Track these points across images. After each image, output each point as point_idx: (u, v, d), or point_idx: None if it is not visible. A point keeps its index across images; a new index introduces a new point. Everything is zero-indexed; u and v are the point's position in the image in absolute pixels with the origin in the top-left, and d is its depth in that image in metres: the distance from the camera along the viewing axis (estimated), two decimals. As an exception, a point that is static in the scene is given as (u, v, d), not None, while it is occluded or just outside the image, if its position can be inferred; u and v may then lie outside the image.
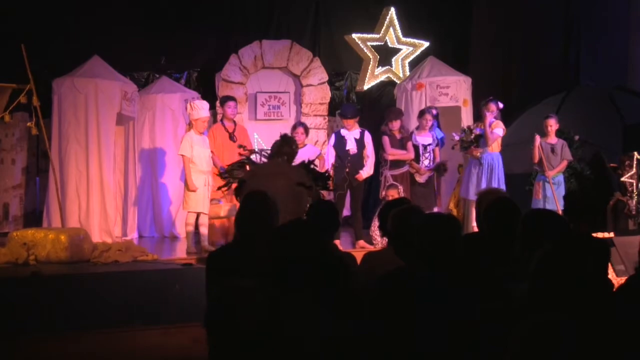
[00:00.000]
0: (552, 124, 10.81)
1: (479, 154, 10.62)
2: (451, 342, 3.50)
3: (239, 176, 8.07)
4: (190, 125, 9.89)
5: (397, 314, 3.74)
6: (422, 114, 11.14)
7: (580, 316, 2.46)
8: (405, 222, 4.44)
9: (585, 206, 5.59)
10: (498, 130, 10.63)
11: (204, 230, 9.84)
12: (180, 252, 10.15)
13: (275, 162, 8.01)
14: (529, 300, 3.15)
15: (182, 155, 9.74)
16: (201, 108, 9.82)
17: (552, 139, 10.83)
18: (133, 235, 11.62)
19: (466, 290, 3.64)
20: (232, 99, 10.92)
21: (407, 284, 3.83)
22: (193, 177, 9.62)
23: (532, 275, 3.18)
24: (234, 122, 10.68)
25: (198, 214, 9.77)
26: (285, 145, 8.12)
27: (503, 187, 10.44)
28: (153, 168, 12.04)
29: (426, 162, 10.89)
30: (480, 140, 10.66)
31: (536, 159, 10.63)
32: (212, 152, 10.32)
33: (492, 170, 10.61)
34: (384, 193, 10.31)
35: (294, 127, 10.67)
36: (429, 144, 10.93)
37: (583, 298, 3.13)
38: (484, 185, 10.38)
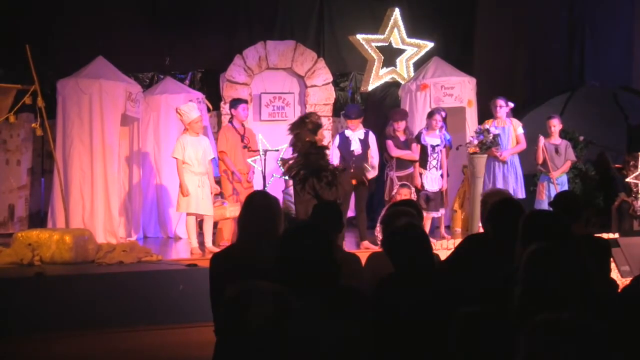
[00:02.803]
0: (555, 124, 10.81)
1: (500, 154, 10.66)
2: (440, 343, 3.50)
3: None
4: (185, 129, 9.85)
5: (389, 318, 3.76)
6: (431, 114, 11.09)
7: (577, 315, 2.47)
8: (389, 227, 4.50)
9: (573, 205, 5.59)
10: (521, 129, 10.82)
11: (207, 231, 9.86)
12: (185, 252, 10.16)
13: None
14: (520, 300, 3.17)
15: (175, 158, 9.73)
16: (191, 110, 9.81)
17: (556, 139, 10.82)
18: (137, 235, 11.63)
19: (451, 292, 3.66)
20: (245, 101, 10.91)
21: (394, 289, 3.85)
22: (186, 177, 9.63)
23: (520, 275, 3.21)
24: (243, 124, 10.68)
25: (200, 215, 9.81)
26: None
27: (523, 186, 10.59)
28: (157, 169, 12.05)
29: (434, 163, 10.86)
30: (498, 138, 10.62)
31: (540, 160, 10.63)
32: (223, 152, 10.33)
33: (516, 170, 10.69)
34: (394, 192, 10.28)
35: None
36: (437, 145, 10.90)
37: (576, 297, 3.15)
38: (510, 185, 10.45)
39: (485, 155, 10.62)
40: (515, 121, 10.86)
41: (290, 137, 10.60)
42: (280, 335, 2.46)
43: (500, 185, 10.55)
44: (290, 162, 9.23)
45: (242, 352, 2.46)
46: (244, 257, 4.14)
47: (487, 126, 10.72)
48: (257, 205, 4.39)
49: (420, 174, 10.78)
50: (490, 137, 10.53)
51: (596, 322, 2.28)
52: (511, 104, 10.94)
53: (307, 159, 9.04)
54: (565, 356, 2.25)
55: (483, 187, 10.85)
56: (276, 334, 2.45)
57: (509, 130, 10.71)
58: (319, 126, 9.34)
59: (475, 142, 10.67)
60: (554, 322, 2.31)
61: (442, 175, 10.97)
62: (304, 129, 9.16)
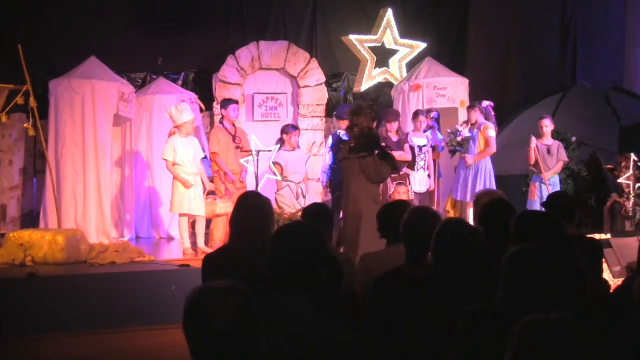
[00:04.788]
0: (547, 125, 10.81)
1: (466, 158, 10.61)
2: (438, 341, 3.51)
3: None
4: (175, 130, 9.81)
5: (392, 313, 3.76)
6: (415, 115, 11.12)
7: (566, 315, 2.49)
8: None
9: (565, 206, 5.61)
10: (491, 132, 10.59)
11: (200, 231, 9.85)
12: (177, 253, 10.15)
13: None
14: (503, 302, 3.19)
15: (165, 160, 9.71)
16: (186, 110, 9.79)
17: (548, 139, 10.82)
18: (130, 236, 11.62)
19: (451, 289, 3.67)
20: (235, 101, 10.89)
21: (401, 284, 3.85)
22: (179, 179, 9.62)
23: (501, 277, 3.22)
24: (234, 124, 10.67)
25: (192, 216, 9.81)
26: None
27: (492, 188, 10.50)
28: (150, 169, 12.04)
29: (421, 163, 10.86)
30: (468, 142, 10.62)
31: (532, 161, 10.63)
32: (215, 153, 10.31)
33: (483, 174, 10.56)
34: (392, 190, 10.27)
35: (287, 131, 10.66)
36: (424, 145, 10.92)
37: (561, 298, 3.16)
38: (471, 188, 10.40)
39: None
40: (487, 124, 10.69)
41: (283, 136, 10.61)
42: (248, 333, 2.46)
43: (460, 187, 10.57)
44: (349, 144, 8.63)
45: (211, 354, 2.46)
46: (237, 258, 4.14)
47: (457, 127, 10.76)
48: (249, 205, 4.39)
49: (408, 175, 10.77)
50: (457, 140, 10.56)
51: (586, 322, 2.29)
52: (485, 102, 10.83)
53: (368, 139, 8.51)
54: (554, 357, 2.25)
55: (448, 188, 10.94)
56: (243, 332, 2.45)
57: (477, 133, 10.66)
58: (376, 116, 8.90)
59: (442, 143, 10.76)
60: (542, 322, 2.32)
61: (429, 176, 10.98)
62: (365, 115, 8.51)
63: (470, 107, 10.87)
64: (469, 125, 10.76)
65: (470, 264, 3.76)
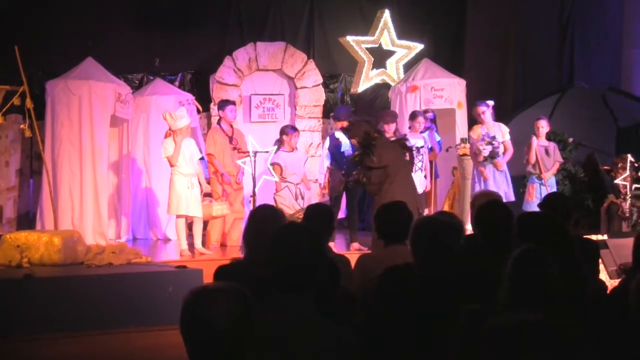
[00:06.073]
0: (543, 126, 10.81)
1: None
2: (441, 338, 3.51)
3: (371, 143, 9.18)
4: (172, 133, 9.74)
5: (393, 309, 3.76)
6: (413, 116, 11.08)
7: (558, 316, 2.47)
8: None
9: (562, 206, 5.63)
10: (508, 135, 10.63)
11: (197, 232, 9.84)
12: (174, 254, 10.14)
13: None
14: (506, 301, 3.19)
15: (167, 158, 9.67)
16: (182, 116, 9.70)
17: (544, 140, 10.83)
18: (127, 237, 11.61)
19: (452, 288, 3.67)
20: (233, 103, 10.88)
21: (409, 280, 3.86)
22: (175, 178, 9.60)
23: (506, 278, 3.23)
24: (231, 125, 10.66)
25: (189, 217, 9.80)
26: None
27: (512, 189, 10.58)
28: (147, 170, 12.03)
29: (419, 164, 10.78)
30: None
31: (532, 161, 10.62)
32: (211, 155, 10.30)
33: (506, 174, 10.60)
34: None
35: (286, 132, 10.62)
36: (421, 147, 10.87)
37: (561, 298, 3.16)
38: (502, 189, 10.33)
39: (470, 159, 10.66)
40: (503, 127, 10.70)
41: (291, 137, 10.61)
42: (246, 334, 2.46)
43: (492, 189, 10.43)
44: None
45: (209, 355, 2.45)
46: (249, 271, 4.09)
47: (492, 133, 10.52)
48: (263, 219, 4.34)
49: None
50: (497, 146, 10.43)
51: (567, 322, 2.27)
52: (490, 102, 10.80)
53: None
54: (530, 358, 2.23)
55: (445, 189, 10.86)
56: (241, 333, 2.45)
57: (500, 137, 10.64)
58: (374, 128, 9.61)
59: (487, 153, 10.43)
60: (509, 325, 2.30)
61: (425, 177, 10.95)
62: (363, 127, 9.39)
63: (484, 107, 10.66)
64: (483, 127, 10.62)
65: (451, 258, 3.79)
